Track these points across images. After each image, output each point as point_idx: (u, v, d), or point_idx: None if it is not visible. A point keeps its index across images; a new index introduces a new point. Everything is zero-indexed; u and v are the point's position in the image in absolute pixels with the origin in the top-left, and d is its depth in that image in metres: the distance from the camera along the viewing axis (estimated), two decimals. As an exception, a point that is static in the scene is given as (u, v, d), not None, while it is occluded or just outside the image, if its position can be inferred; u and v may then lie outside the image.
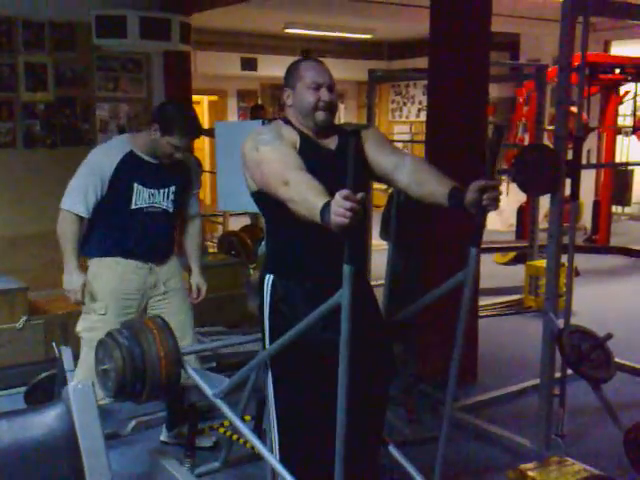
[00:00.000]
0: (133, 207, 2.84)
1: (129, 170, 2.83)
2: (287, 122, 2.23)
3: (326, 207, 1.74)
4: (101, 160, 2.83)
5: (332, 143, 2.23)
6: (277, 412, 2.25)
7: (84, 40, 5.18)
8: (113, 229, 2.88)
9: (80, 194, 2.81)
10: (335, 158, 2.17)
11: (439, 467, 2.25)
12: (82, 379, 2.66)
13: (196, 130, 2.89)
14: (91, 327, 2.88)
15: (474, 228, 2.06)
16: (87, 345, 2.89)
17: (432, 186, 2.11)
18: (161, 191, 2.90)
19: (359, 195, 1.66)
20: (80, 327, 2.96)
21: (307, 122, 2.20)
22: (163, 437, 3.22)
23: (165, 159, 2.86)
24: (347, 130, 2.24)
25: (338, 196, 1.67)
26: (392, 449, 2.44)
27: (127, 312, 2.89)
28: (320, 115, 2.17)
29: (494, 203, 1.96)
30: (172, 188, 2.93)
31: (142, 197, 2.86)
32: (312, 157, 2.11)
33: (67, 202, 2.84)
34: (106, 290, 2.87)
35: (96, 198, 2.82)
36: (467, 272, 2.07)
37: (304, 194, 1.89)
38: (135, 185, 2.83)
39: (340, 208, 1.66)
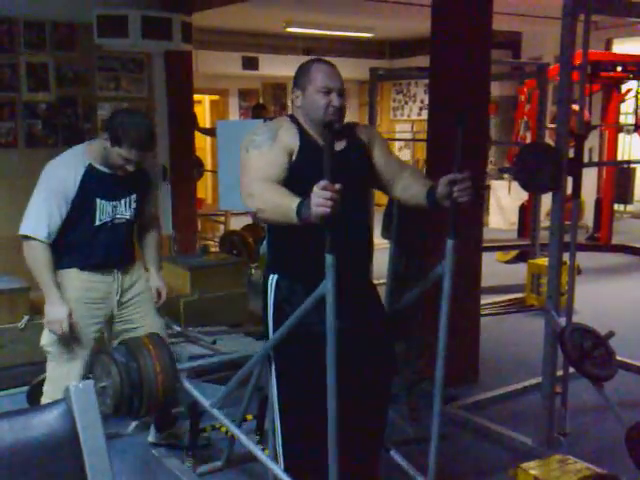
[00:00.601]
0: (97, 223, 2.70)
1: (90, 185, 2.65)
2: (293, 120, 2.22)
3: (302, 204, 1.82)
4: (64, 178, 2.62)
5: (338, 145, 2.23)
6: (280, 408, 2.26)
7: (85, 40, 5.18)
8: (77, 245, 2.71)
9: (43, 218, 2.61)
10: (340, 159, 2.18)
11: (433, 466, 2.25)
12: (52, 397, 2.61)
13: (146, 142, 2.64)
14: (59, 339, 2.71)
15: (449, 220, 2.09)
16: (55, 359, 2.77)
17: (414, 189, 2.20)
18: (122, 201, 2.75)
19: (337, 185, 1.74)
20: (46, 341, 2.78)
21: (315, 126, 2.20)
22: (151, 438, 3.16)
23: (118, 171, 2.69)
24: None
25: (316, 188, 1.75)
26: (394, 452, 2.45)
27: (95, 321, 2.79)
28: (329, 119, 2.14)
29: (465, 194, 2.02)
30: (133, 196, 2.78)
31: (105, 211, 2.71)
32: (314, 158, 2.11)
33: (30, 227, 2.62)
34: (72, 300, 2.70)
35: (61, 220, 2.64)
36: (445, 264, 2.10)
37: (273, 200, 1.97)
38: (97, 200, 2.68)
39: (320, 198, 1.74)
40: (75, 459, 1.32)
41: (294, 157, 2.14)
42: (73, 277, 2.73)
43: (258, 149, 2.12)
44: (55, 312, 2.65)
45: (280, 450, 2.27)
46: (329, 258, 1.84)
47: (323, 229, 1.81)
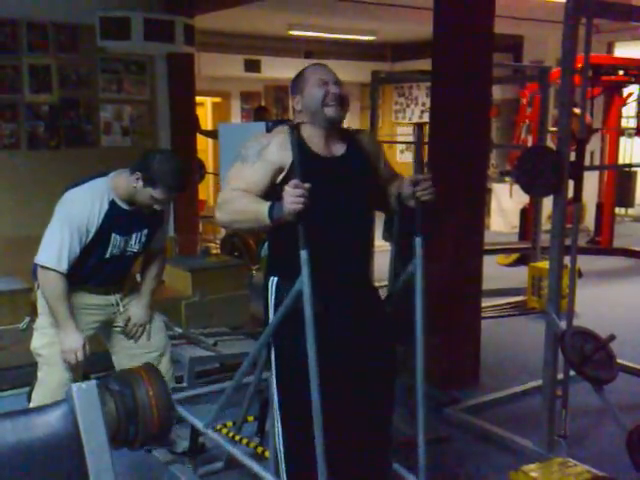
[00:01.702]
0: (107, 256, 2.71)
1: (110, 222, 2.66)
2: (292, 132, 2.15)
3: (272, 205, 1.97)
4: (88, 215, 2.61)
5: (340, 148, 2.23)
6: (281, 412, 2.26)
7: (88, 42, 5.19)
8: (82, 272, 2.70)
9: (65, 251, 2.59)
10: (341, 164, 2.19)
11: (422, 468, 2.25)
12: (41, 402, 2.57)
13: (182, 184, 2.67)
14: (51, 342, 2.70)
15: (415, 219, 2.18)
16: (47, 363, 2.74)
17: (390, 193, 2.31)
18: (134, 236, 2.76)
19: (306, 185, 1.89)
20: (37, 344, 2.76)
21: (318, 121, 2.18)
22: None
23: (144, 208, 2.70)
24: (351, 133, 2.27)
25: (288, 187, 1.90)
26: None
27: (89, 327, 2.79)
28: (330, 110, 2.16)
29: (427, 193, 2.14)
30: (145, 231, 2.78)
31: (118, 246, 2.72)
32: (310, 171, 2.05)
33: (51, 259, 2.60)
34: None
35: (79, 252, 2.63)
36: (415, 262, 2.17)
37: (240, 208, 2.07)
38: (113, 235, 2.69)
39: (292, 197, 1.88)
40: (77, 459, 1.32)
41: (285, 172, 2.13)
42: (73, 290, 2.71)
43: (242, 162, 2.17)
44: (71, 341, 2.63)
45: (281, 450, 2.27)
46: (303, 254, 1.96)
47: (321, 231, 1.90)
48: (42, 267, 2.62)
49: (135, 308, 2.89)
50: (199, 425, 2.62)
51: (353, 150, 2.24)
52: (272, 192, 2.11)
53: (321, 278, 2.13)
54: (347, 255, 2.15)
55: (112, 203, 2.66)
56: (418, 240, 2.16)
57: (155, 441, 2.72)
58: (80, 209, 2.61)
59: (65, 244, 2.59)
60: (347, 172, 2.17)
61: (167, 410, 2.41)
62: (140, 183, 2.60)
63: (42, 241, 2.64)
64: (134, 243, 2.77)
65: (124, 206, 2.69)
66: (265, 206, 1.97)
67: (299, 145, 2.16)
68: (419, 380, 2.19)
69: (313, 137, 2.20)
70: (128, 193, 2.66)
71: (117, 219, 2.67)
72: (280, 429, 2.26)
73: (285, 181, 2.09)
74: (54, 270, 2.59)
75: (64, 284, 2.62)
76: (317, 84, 2.18)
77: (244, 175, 2.14)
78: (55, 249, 2.59)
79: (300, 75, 2.26)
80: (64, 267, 2.60)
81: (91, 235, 2.63)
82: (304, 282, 1.97)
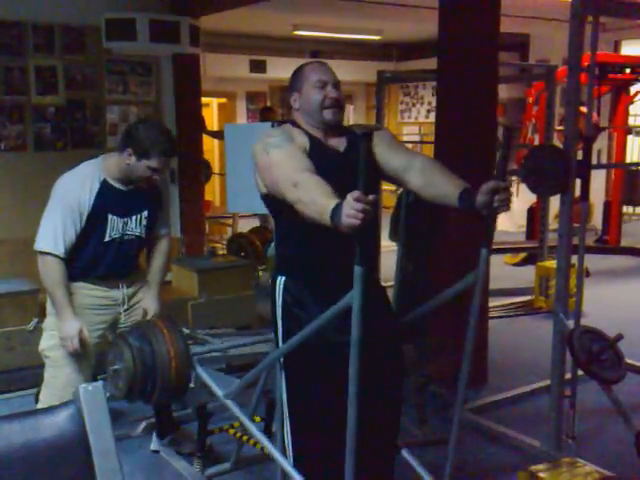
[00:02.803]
0: (107, 239, 2.69)
1: (104, 202, 2.64)
2: (295, 125, 2.23)
3: (337, 209, 1.73)
4: (78, 195, 2.61)
5: (341, 145, 2.22)
6: (290, 413, 2.25)
7: (94, 43, 5.21)
8: (83, 258, 2.69)
9: (60, 234, 2.58)
10: (343, 159, 2.18)
11: (449, 469, 2.25)
12: (48, 403, 2.54)
13: (172, 148, 2.66)
14: (59, 344, 2.68)
15: (485, 229, 2.06)
16: (53, 365, 2.73)
17: (443, 187, 2.09)
18: (134, 218, 2.73)
19: (371, 197, 1.65)
20: (45, 345, 2.75)
21: (315, 122, 2.19)
22: (154, 446, 3.12)
23: (142, 183, 2.68)
24: (356, 132, 2.25)
25: (349, 197, 1.66)
26: (404, 452, 2.44)
27: (97, 327, 2.77)
28: (328, 114, 2.16)
29: (505, 204, 1.96)
30: (144, 213, 2.75)
31: (116, 228, 2.69)
32: (320, 159, 2.11)
33: (47, 243, 2.59)
34: (75, 306, 2.67)
35: (75, 236, 2.62)
36: (477, 273, 2.08)
37: (313, 196, 1.87)
38: (109, 216, 2.66)
39: (352, 210, 1.65)
40: (84, 460, 1.32)
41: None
42: (78, 286, 2.71)
43: (279, 147, 2.08)
44: (68, 328, 2.63)
45: (290, 453, 2.26)
46: (357, 270, 1.77)
47: (345, 238, 1.74)
48: (40, 253, 2.61)
49: (148, 301, 2.87)
50: (219, 393, 2.55)
51: (354, 145, 2.23)
52: None
53: (328, 277, 2.13)
54: (353, 254, 2.13)
55: (104, 182, 2.65)
56: (484, 252, 2.03)
57: (172, 399, 2.72)
58: (71, 191, 2.62)
59: (59, 226, 2.59)
60: (350, 167, 2.15)
61: (185, 368, 2.40)
62: (133, 158, 2.60)
63: (39, 228, 2.65)
64: (135, 226, 2.74)
65: (118, 186, 2.68)
66: (331, 205, 1.76)
67: (312, 140, 2.17)
68: (461, 387, 2.19)
69: (314, 131, 2.21)
70: (123, 172, 2.65)
71: (112, 199, 2.65)
72: (288, 430, 2.25)
73: None
74: (51, 254, 2.59)
75: (62, 268, 2.61)
76: (316, 85, 2.17)
77: (294, 155, 2.04)
78: (50, 233, 2.60)
79: (299, 72, 2.24)
80: (61, 250, 2.59)
81: (85, 216, 2.62)
82: (356, 297, 1.80)
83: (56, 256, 2.59)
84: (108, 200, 2.65)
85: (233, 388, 2.48)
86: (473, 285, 2.11)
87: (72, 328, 2.62)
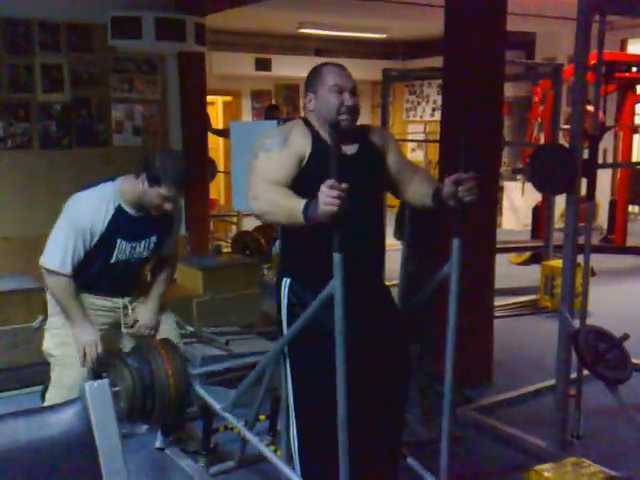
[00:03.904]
0: (113, 261, 2.71)
1: (116, 227, 2.65)
2: (307, 123, 2.22)
3: (308, 204, 1.85)
4: (92, 218, 2.61)
5: (351, 149, 2.22)
6: (296, 413, 2.25)
7: (100, 41, 5.22)
8: (87, 276, 2.70)
9: (69, 254, 2.60)
10: (352, 163, 2.17)
11: (444, 467, 2.24)
12: (55, 402, 2.63)
13: (185, 178, 2.66)
14: (63, 342, 2.70)
15: (455, 220, 2.11)
16: (59, 364, 2.74)
17: (422, 191, 2.22)
18: (142, 242, 2.75)
19: (343, 185, 1.77)
20: (49, 344, 2.77)
21: (328, 127, 2.19)
22: (159, 444, 3.13)
23: (153, 210, 2.67)
24: (359, 131, 2.25)
25: (324, 187, 1.77)
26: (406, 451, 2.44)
27: (100, 328, 2.77)
28: (343, 121, 2.15)
29: (470, 194, 2.05)
30: (153, 238, 2.77)
31: (123, 251, 2.71)
32: (325, 161, 2.10)
33: (55, 262, 2.61)
34: None
35: (83, 256, 2.64)
36: (451, 264, 2.10)
37: (278, 201, 1.98)
38: (118, 241, 2.68)
39: (327, 197, 1.76)
40: (90, 458, 1.33)
41: (305, 162, 2.13)
42: (81, 294, 2.72)
43: (267, 153, 2.12)
44: (87, 334, 2.65)
45: (296, 451, 2.26)
46: (336, 257, 1.85)
47: (331, 229, 1.82)
48: (47, 270, 2.63)
49: (142, 311, 2.88)
50: (216, 407, 2.59)
51: (365, 149, 2.23)
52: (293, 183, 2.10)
53: (331, 276, 2.12)
54: (360, 255, 2.13)
55: (118, 208, 2.66)
56: (456, 242, 2.08)
57: (172, 417, 2.74)
58: (85, 213, 2.62)
59: (69, 247, 2.59)
60: (359, 171, 2.15)
61: (184, 386, 2.44)
62: (146, 184, 2.60)
63: (47, 243, 2.65)
64: (142, 250, 2.76)
65: (131, 212, 2.68)
66: (301, 204, 1.88)
67: (316, 136, 2.17)
68: (447, 380, 2.16)
69: (324, 137, 2.20)
70: (136, 198, 2.65)
71: (123, 224, 2.66)
72: (295, 428, 2.25)
73: (304, 171, 2.11)
74: (59, 273, 2.61)
75: (72, 285, 2.64)
76: (333, 90, 2.16)
77: (274, 165, 2.10)
78: (59, 252, 2.60)
79: (316, 73, 2.22)
80: (68, 270, 2.61)
81: (96, 239, 2.63)
82: (336, 286, 1.87)
83: (65, 276, 2.61)
84: (120, 226, 2.66)
85: (230, 400, 2.53)
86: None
87: (92, 334, 2.66)
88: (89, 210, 2.62)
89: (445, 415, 2.18)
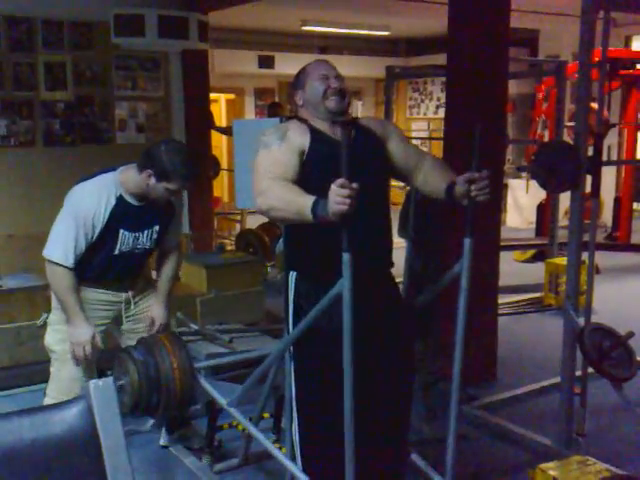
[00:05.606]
0: (116, 252, 2.68)
1: (118, 218, 2.62)
2: (301, 121, 2.24)
3: (317, 202, 1.83)
4: (94, 208, 2.58)
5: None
6: (298, 410, 2.25)
7: (103, 39, 5.22)
8: (90, 268, 2.68)
9: (71, 246, 2.57)
10: (350, 152, 2.17)
11: (451, 466, 2.23)
12: (56, 397, 2.61)
13: (195, 171, 2.68)
14: (64, 338, 2.69)
15: (465, 219, 2.08)
16: (59, 359, 2.74)
17: (436, 184, 2.19)
18: (145, 232, 2.72)
19: (354, 184, 1.75)
20: (51, 339, 2.76)
21: (320, 114, 2.21)
22: (163, 442, 3.13)
23: (160, 201, 2.68)
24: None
25: (335, 186, 1.75)
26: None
27: (102, 322, 2.77)
28: (331, 102, 2.18)
29: (483, 193, 2.03)
30: (156, 228, 2.74)
31: (126, 242, 2.68)
32: (325, 151, 2.12)
33: (57, 254, 2.58)
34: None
35: (85, 247, 2.61)
36: (462, 263, 2.09)
37: (286, 198, 1.96)
38: (121, 231, 2.65)
39: (338, 197, 1.74)
40: (94, 456, 1.32)
41: (305, 155, 2.14)
42: (84, 286, 2.71)
43: (267, 149, 2.13)
44: (79, 334, 2.63)
45: (298, 449, 2.26)
46: (346, 256, 1.82)
47: (339, 227, 1.80)
48: (49, 261, 2.61)
49: (157, 309, 2.87)
50: (222, 402, 2.59)
51: (361, 136, 2.23)
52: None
53: (336, 274, 2.12)
54: (366, 246, 2.11)
55: (120, 198, 2.63)
56: (467, 241, 2.05)
57: (178, 411, 2.75)
58: (87, 204, 2.59)
59: (71, 238, 2.57)
60: (359, 159, 2.14)
61: (190, 380, 2.43)
62: (153, 180, 2.57)
63: (49, 235, 2.64)
64: (145, 240, 2.73)
65: (133, 202, 2.66)
66: (309, 201, 1.85)
67: (312, 128, 2.18)
68: (455, 378, 2.16)
69: (321, 124, 2.21)
70: (140, 190, 2.63)
71: (125, 215, 2.64)
72: (297, 426, 2.25)
73: (307, 164, 2.11)
74: (60, 265, 2.58)
75: (72, 277, 2.61)
76: (318, 78, 2.22)
77: (275, 159, 2.10)
78: (61, 243, 2.58)
79: (302, 71, 2.29)
80: (70, 262, 2.59)
81: (98, 230, 2.60)
82: (345, 286, 1.84)
83: (66, 267, 2.59)
84: (122, 215, 2.64)
85: (236, 396, 2.52)
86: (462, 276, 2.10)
87: (84, 334, 2.63)
88: (90, 200, 2.59)
89: (452, 413, 2.18)
